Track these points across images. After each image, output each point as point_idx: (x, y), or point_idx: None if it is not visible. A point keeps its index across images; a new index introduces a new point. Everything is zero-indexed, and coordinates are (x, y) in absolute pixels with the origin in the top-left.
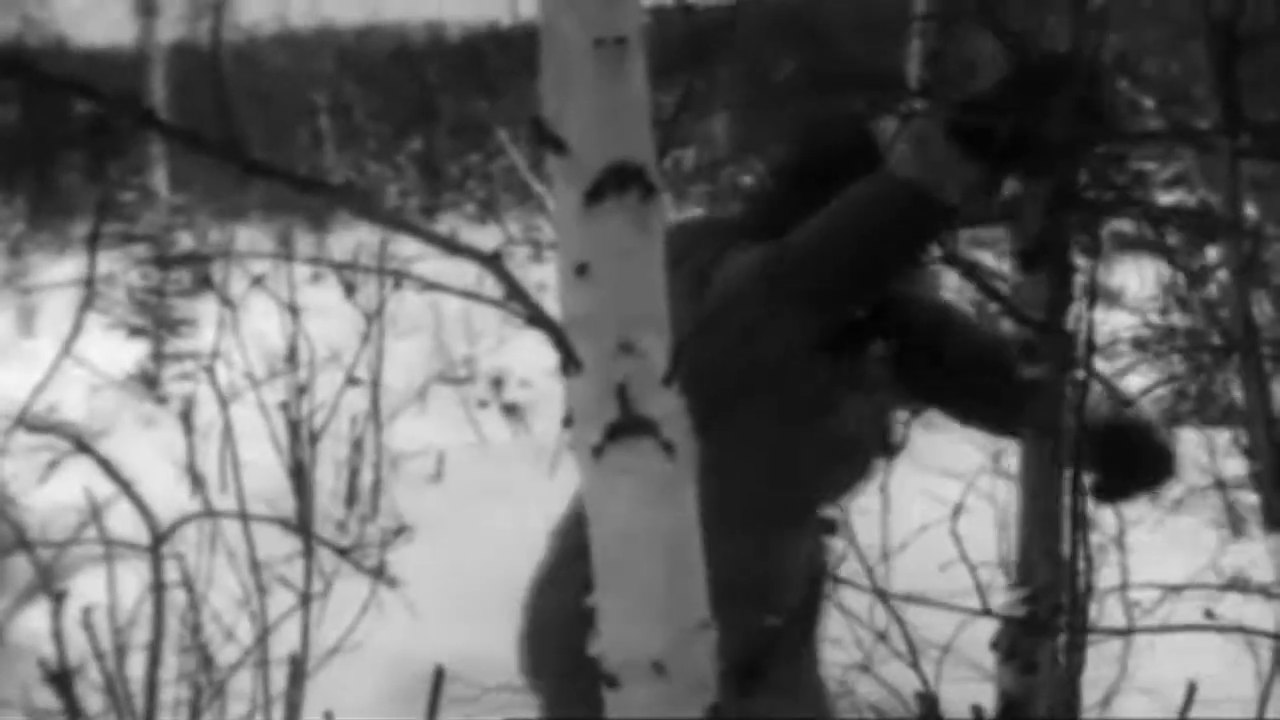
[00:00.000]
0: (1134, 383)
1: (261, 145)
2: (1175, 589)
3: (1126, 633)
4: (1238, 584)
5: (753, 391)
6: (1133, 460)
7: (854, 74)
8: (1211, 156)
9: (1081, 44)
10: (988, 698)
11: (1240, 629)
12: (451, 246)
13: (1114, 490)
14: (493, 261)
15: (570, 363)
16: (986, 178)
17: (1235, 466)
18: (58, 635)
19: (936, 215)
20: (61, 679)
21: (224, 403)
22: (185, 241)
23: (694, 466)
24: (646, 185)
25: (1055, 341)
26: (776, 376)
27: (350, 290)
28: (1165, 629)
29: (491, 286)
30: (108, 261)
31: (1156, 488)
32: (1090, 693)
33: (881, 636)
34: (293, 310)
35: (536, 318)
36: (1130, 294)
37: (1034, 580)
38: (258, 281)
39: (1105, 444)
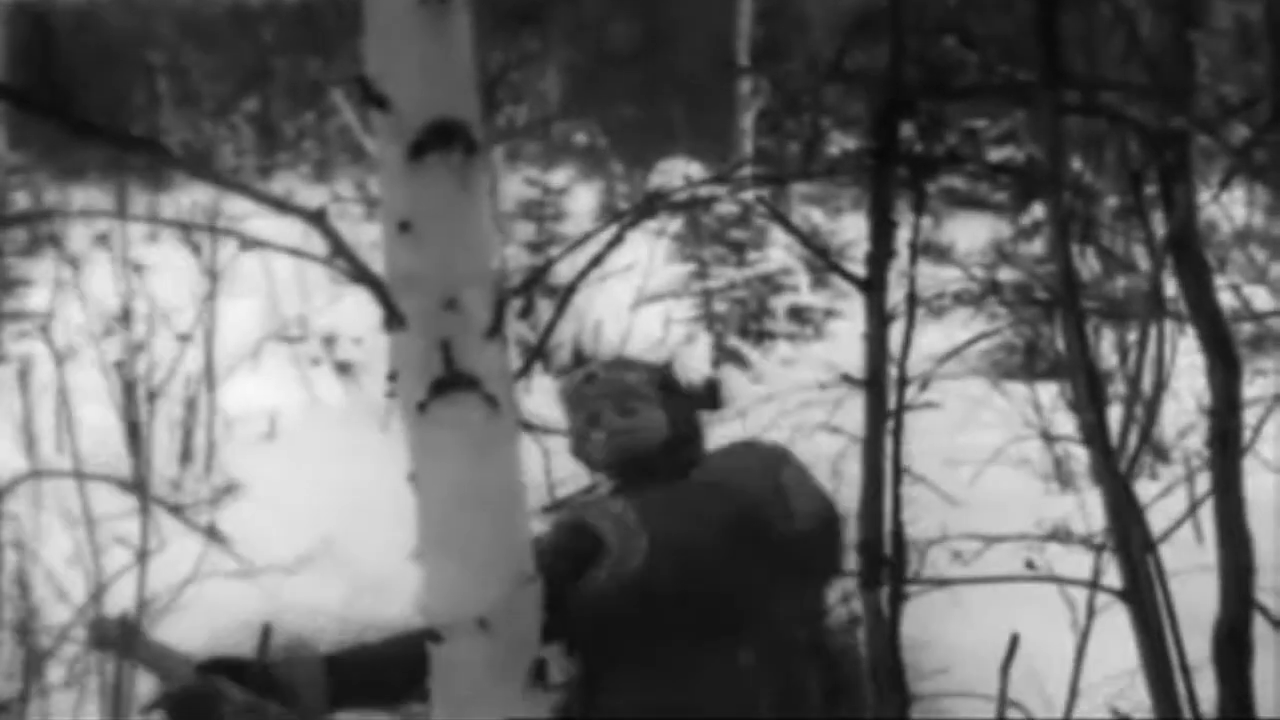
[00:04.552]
0: (960, 337)
1: (101, 106)
2: (995, 540)
3: (942, 584)
4: (1059, 535)
5: None
6: None
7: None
8: (1036, 112)
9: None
10: None
11: (1054, 578)
12: (278, 205)
13: None
14: (318, 219)
15: (394, 319)
16: None
17: (1063, 420)
18: None
19: None
20: None
21: (59, 362)
22: (22, 201)
23: (517, 420)
24: (469, 142)
25: (874, 299)
26: None
27: (197, 250)
28: (980, 580)
29: (320, 244)
30: None
31: None
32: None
33: None
34: (135, 268)
35: (360, 274)
36: (960, 250)
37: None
38: (101, 240)
39: None
